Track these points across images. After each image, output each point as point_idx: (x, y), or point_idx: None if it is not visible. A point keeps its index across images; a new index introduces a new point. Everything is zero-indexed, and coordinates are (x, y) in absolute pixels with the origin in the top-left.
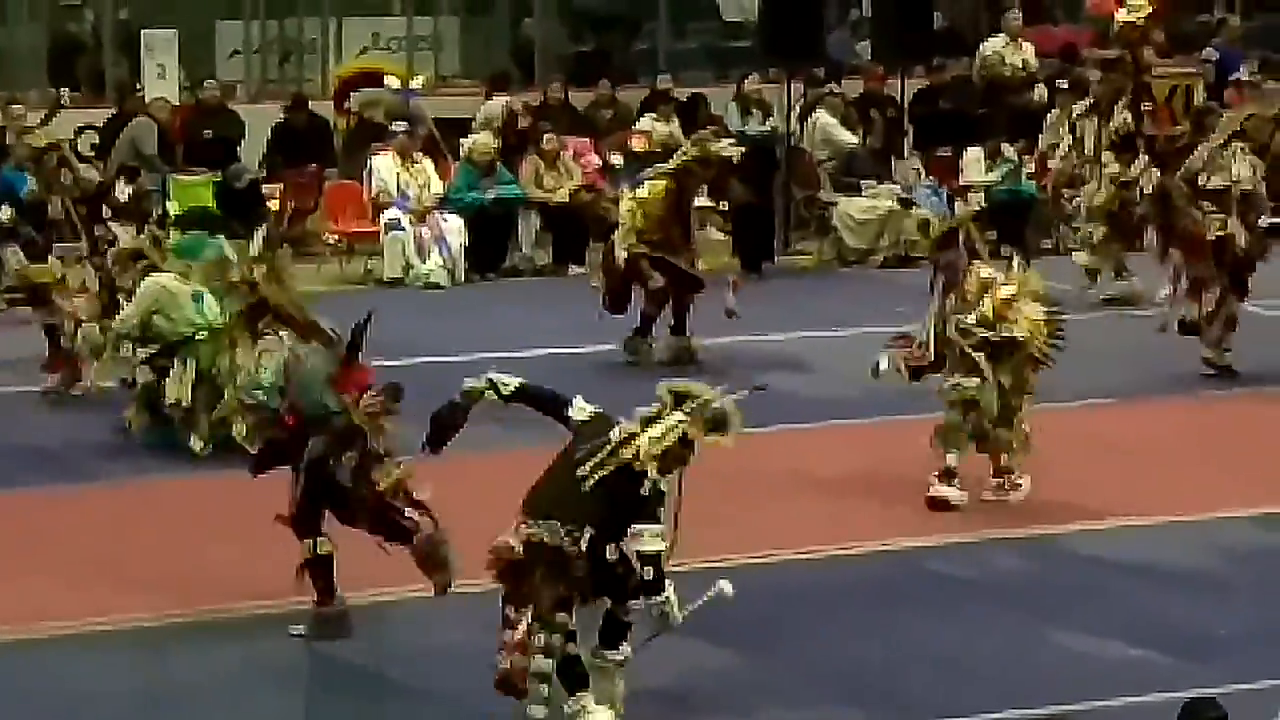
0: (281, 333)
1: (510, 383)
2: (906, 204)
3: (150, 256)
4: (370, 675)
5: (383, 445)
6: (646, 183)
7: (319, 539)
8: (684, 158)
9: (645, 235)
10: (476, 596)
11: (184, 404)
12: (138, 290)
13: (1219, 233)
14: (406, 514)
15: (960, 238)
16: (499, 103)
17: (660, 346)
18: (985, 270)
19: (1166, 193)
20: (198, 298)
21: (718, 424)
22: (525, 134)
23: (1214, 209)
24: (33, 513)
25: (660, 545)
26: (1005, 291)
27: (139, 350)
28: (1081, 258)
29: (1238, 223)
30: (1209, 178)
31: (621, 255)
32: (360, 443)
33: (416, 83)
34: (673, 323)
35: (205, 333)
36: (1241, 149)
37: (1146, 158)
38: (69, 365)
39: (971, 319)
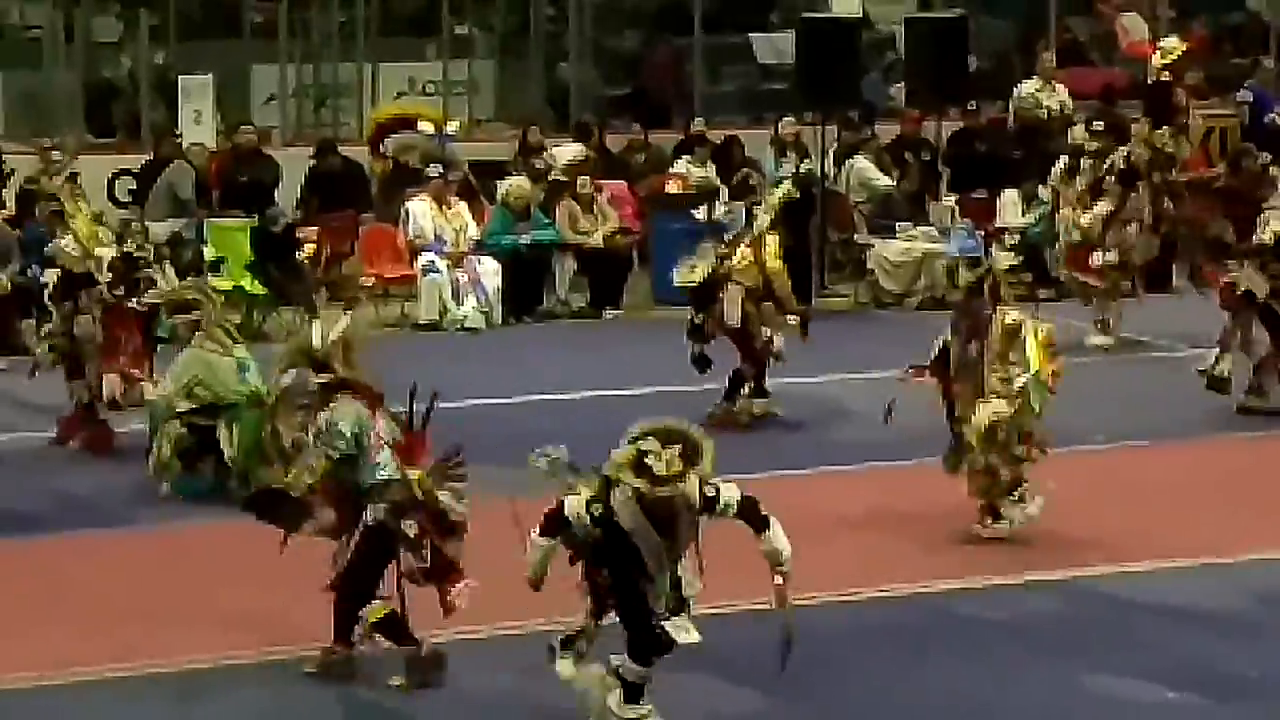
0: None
1: None
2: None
3: (203, 307)
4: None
5: (453, 514)
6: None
7: (373, 605)
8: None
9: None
10: (514, 639)
11: (234, 463)
12: (178, 364)
13: (1245, 287)
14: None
15: (987, 286)
16: (575, 148)
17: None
18: (1011, 316)
19: (1212, 242)
20: (244, 366)
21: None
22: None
23: (1251, 262)
24: (60, 559)
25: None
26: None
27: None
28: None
29: (1255, 275)
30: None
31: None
32: (417, 513)
33: (452, 126)
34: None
35: (249, 399)
36: None
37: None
38: (94, 428)
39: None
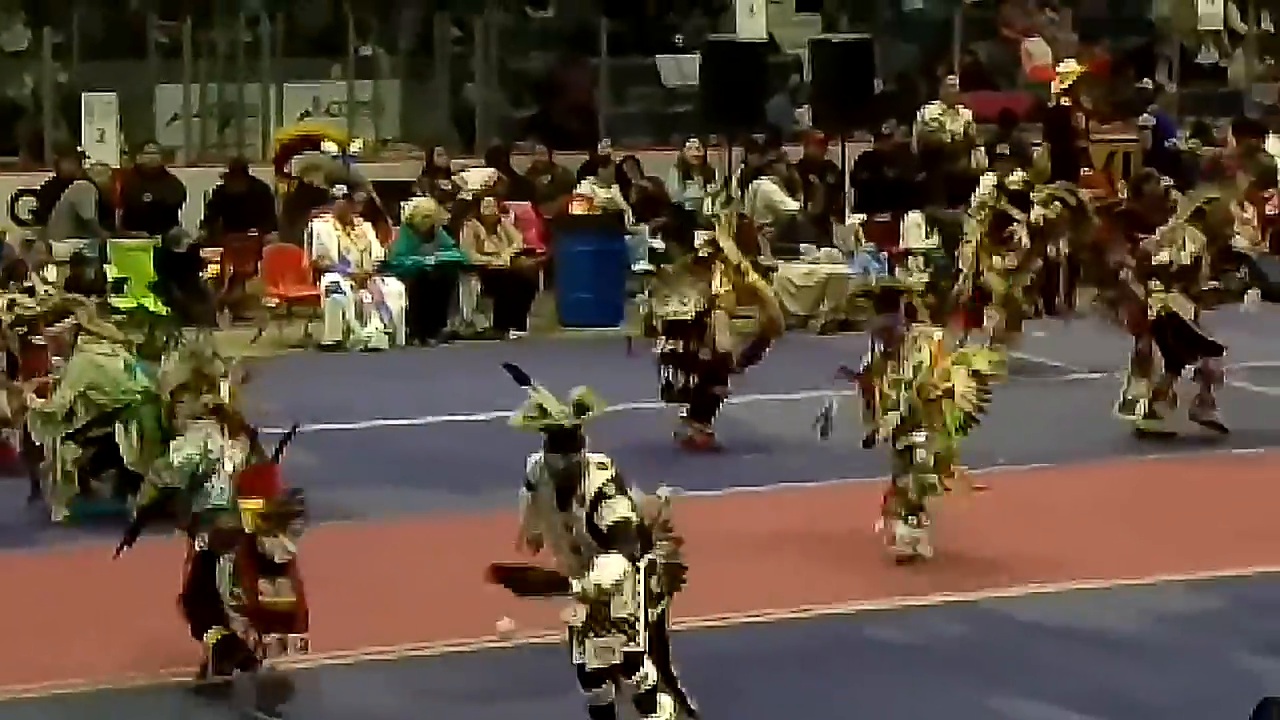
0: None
1: None
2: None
3: (77, 309)
4: None
5: (276, 555)
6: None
7: (213, 629)
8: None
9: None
10: (403, 662)
11: (136, 466)
12: (67, 369)
13: (1159, 309)
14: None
15: (901, 302)
16: (486, 172)
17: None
18: (922, 331)
19: (1116, 267)
20: (130, 368)
21: None
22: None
23: (1159, 286)
24: None
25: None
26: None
27: (67, 425)
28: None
29: (1179, 297)
30: (1158, 254)
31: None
32: (240, 547)
33: (355, 146)
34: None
35: (142, 396)
36: (1193, 228)
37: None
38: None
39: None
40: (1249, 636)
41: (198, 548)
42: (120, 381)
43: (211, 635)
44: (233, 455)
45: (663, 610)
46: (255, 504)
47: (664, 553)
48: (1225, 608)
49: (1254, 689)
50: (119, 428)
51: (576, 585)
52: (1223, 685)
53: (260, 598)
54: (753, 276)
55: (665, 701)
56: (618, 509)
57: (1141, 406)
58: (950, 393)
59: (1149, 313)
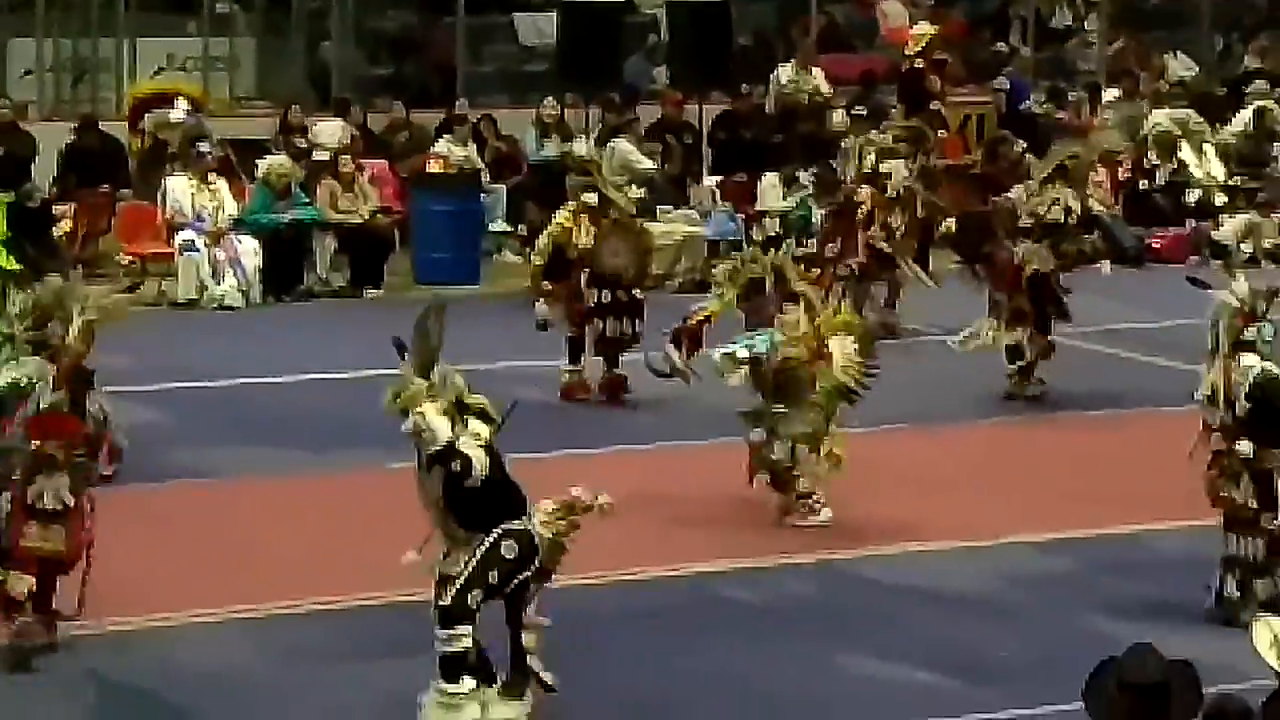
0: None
1: None
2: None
3: None
4: (153, 700)
5: (47, 502)
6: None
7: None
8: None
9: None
10: (259, 621)
11: None
12: None
13: (1033, 266)
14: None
15: (769, 283)
16: (336, 125)
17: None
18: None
19: (981, 224)
20: None
21: None
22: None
23: (1028, 242)
24: None
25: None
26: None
27: None
28: None
29: (1048, 254)
30: (1026, 211)
31: None
32: (11, 489)
33: (200, 103)
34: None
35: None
36: (1060, 186)
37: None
38: None
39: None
40: (1096, 596)
41: None
42: None
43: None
44: (47, 397)
45: (523, 582)
46: (43, 447)
47: (552, 530)
48: (1073, 568)
49: (1100, 648)
50: None
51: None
52: (1069, 644)
53: (23, 540)
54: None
55: (468, 682)
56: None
57: (984, 340)
58: (824, 358)
59: (1023, 271)
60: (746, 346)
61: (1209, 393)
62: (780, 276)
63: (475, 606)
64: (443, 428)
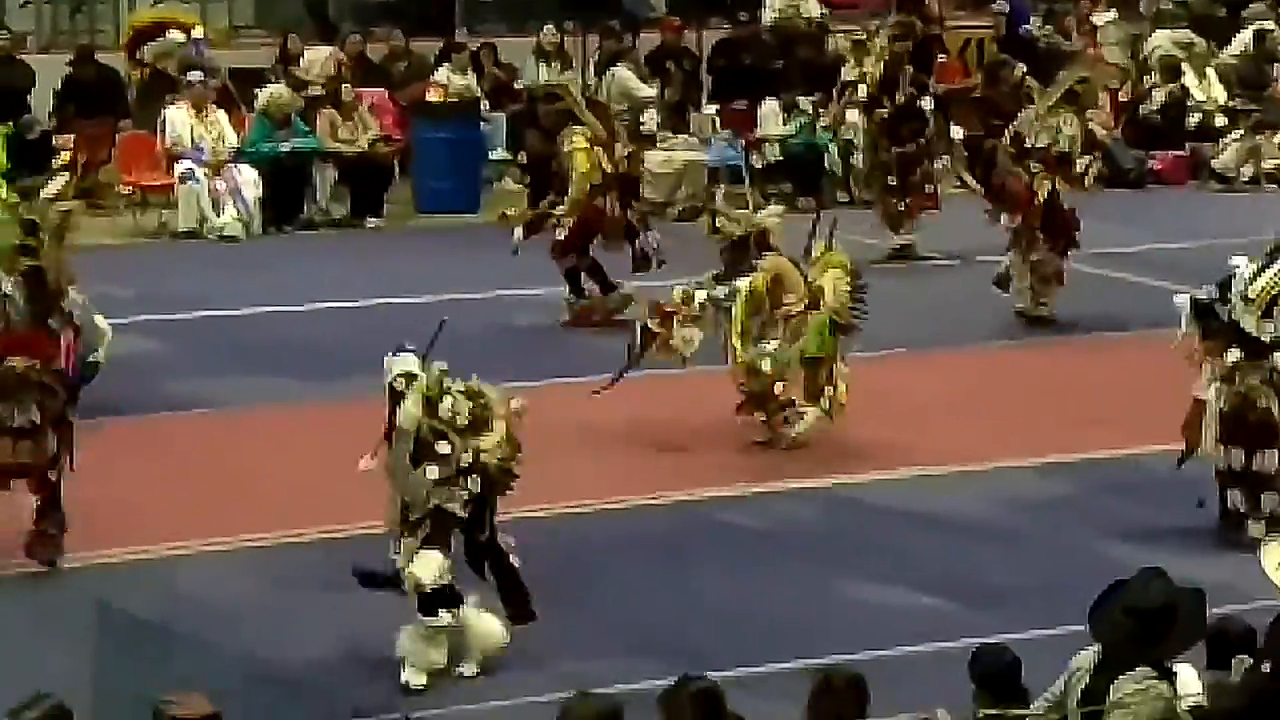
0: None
1: None
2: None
3: None
4: (158, 629)
5: (16, 420)
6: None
7: None
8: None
9: None
10: (265, 550)
11: None
12: None
13: (1044, 190)
14: None
15: (753, 239)
16: (324, 52)
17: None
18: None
19: (991, 151)
20: None
21: None
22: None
23: (1040, 168)
24: None
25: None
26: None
27: None
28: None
29: (1061, 180)
30: (1036, 137)
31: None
32: None
33: (203, 33)
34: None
35: None
36: (1065, 110)
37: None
38: None
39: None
40: (1096, 519)
41: None
42: None
43: None
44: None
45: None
46: (13, 365)
47: (498, 455)
48: (1073, 492)
49: (1101, 572)
50: None
51: None
52: (1070, 567)
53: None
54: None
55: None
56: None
57: (1019, 286)
58: (814, 305)
59: (1036, 196)
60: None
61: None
62: (763, 237)
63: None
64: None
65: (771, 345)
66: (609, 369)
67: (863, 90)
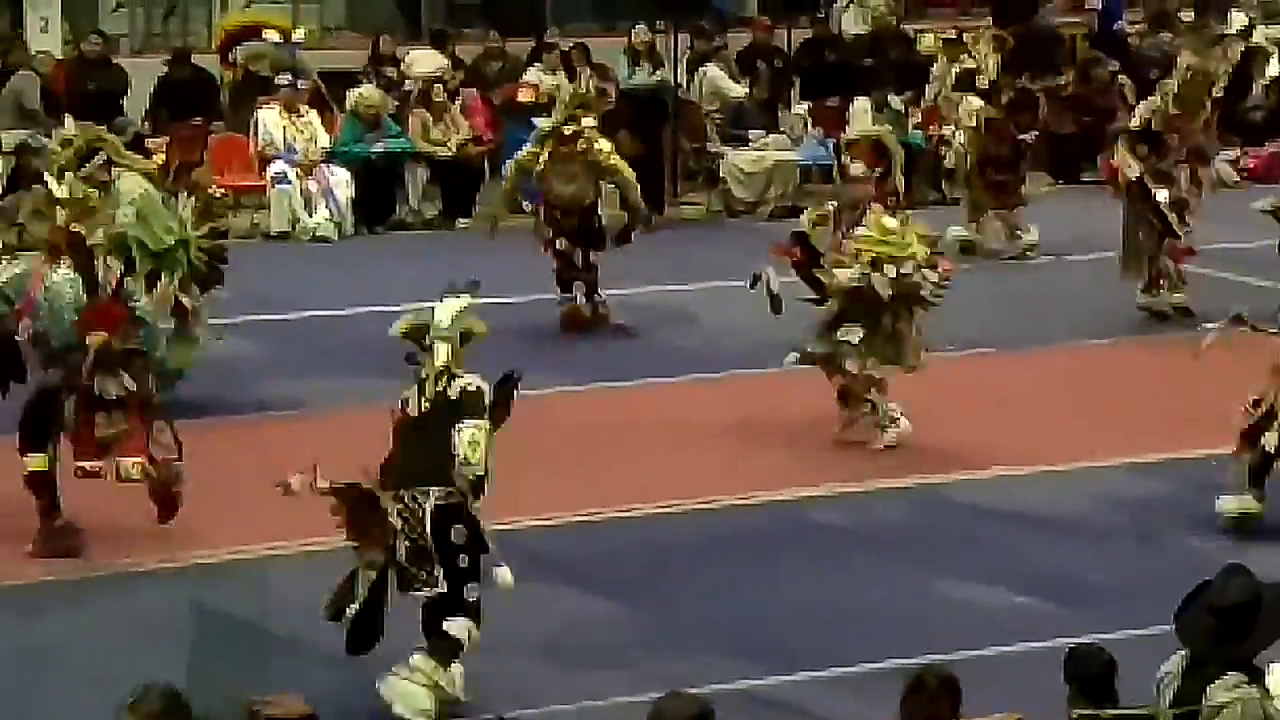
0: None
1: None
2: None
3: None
4: (254, 630)
5: (112, 390)
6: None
7: (38, 455)
8: (563, 112)
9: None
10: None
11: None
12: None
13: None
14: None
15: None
16: (431, 57)
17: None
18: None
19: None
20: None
21: None
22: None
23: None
24: None
25: None
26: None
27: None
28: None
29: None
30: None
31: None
32: (83, 385)
33: (300, 35)
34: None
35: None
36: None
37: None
38: None
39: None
40: (1189, 517)
41: (43, 384)
42: (164, 216)
43: (36, 461)
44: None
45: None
46: (97, 340)
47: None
48: (1166, 490)
49: (1195, 568)
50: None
51: None
52: (1164, 565)
53: (97, 432)
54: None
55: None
56: None
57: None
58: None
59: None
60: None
61: None
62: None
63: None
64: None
65: (855, 337)
66: (697, 368)
67: (981, 81)
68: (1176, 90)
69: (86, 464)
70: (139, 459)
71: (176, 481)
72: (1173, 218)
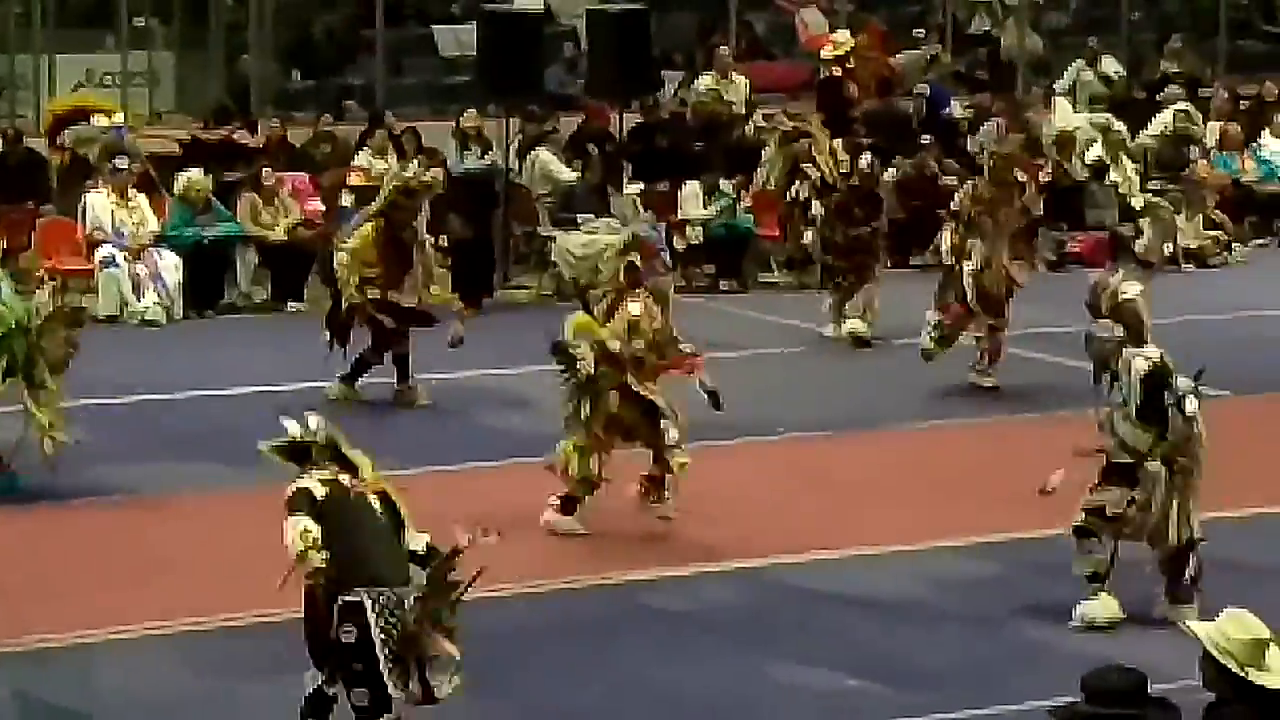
0: None
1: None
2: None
3: None
4: (78, 717)
5: None
6: (355, 232)
7: None
8: (386, 193)
9: (367, 281)
10: (183, 637)
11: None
12: None
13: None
14: None
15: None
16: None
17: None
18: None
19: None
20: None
21: None
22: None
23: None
24: None
25: None
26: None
27: None
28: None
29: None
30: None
31: (345, 307)
32: None
33: (124, 119)
34: (396, 369)
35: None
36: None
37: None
38: None
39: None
40: (1025, 600)
41: None
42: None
43: None
44: None
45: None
46: None
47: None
48: (1001, 572)
49: (1030, 652)
50: None
51: None
52: (999, 649)
53: None
54: (361, 242)
55: None
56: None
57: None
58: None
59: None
60: None
61: None
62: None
63: None
64: None
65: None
66: (524, 453)
67: (814, 174)
68: (987, 175)
69: None
70: None
71: None
72: (971, 293)
